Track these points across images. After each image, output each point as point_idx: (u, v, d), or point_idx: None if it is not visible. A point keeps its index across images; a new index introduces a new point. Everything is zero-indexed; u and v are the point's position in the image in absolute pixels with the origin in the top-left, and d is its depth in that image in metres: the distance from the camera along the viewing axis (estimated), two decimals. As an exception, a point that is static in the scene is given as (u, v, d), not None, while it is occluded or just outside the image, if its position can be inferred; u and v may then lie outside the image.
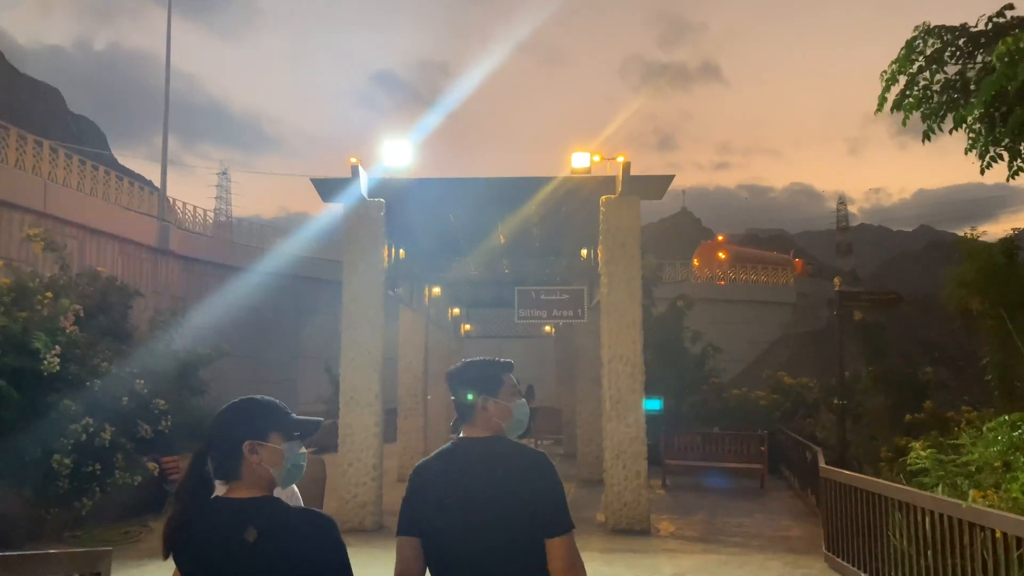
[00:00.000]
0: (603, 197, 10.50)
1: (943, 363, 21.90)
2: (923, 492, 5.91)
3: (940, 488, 6.22)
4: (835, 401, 10.89)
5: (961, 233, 11.50)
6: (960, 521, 5.20)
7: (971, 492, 6.02)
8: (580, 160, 10.73)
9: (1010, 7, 6.75)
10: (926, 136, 6.88)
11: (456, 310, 22.35)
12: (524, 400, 2.50)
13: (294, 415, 2.07)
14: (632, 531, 9.98)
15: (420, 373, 15.49)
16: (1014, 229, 10.85)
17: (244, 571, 1.86)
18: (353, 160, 10.60)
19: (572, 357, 15.72)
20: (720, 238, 52.56)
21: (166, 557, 1.97)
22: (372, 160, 11.09)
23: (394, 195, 10.91)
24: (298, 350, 28.81)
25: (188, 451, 7.93)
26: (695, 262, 47.28)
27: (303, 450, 2.08)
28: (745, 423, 17.19)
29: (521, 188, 10.92)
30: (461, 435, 2.42)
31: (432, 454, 2.43)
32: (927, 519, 5.62)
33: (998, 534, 4.72)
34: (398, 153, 10.97)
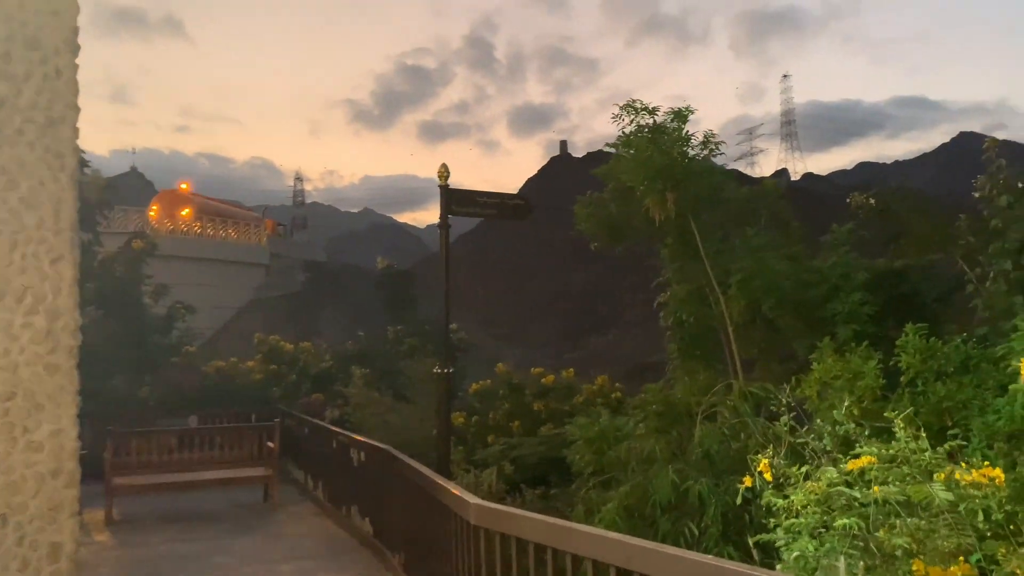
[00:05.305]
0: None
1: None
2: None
3: (843, 566, 2.72)
4: (437, 370, 6.97)
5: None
6: None
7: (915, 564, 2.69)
8: None
9: None
10: None
11: None
12: None
13: None
14: None
15: None
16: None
17: None
18: None
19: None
20: (184, 187, 44.97)
21: None
22: None
23: None
24: None
25: None
26: (153, 211, 39.21)
27: None
28: (236, 408, 12.45)
29: None
30: None
31: None
32: None
33: None
34: None
